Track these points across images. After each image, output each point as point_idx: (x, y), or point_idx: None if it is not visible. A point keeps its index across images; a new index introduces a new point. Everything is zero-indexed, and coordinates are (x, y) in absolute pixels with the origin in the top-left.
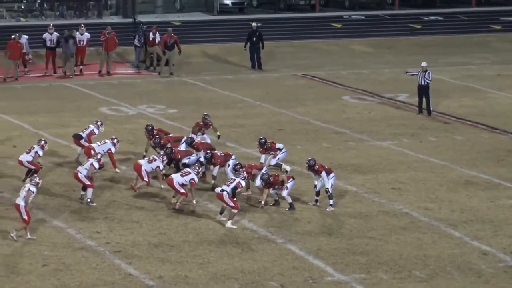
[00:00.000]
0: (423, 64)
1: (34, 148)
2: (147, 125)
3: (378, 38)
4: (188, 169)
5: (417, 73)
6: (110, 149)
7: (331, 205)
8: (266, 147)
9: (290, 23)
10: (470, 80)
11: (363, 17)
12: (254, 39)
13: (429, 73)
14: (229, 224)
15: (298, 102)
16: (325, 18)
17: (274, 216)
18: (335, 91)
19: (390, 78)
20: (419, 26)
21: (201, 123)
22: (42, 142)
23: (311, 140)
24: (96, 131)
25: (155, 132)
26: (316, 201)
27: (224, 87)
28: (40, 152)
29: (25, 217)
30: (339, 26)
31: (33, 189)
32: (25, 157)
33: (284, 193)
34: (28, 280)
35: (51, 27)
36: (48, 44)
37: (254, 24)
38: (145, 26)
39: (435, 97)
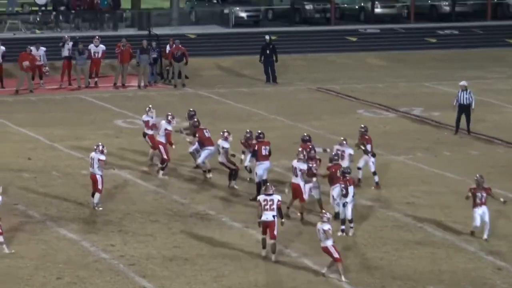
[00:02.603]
0: (463, 83)
1: (93, 158)
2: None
3: (393, 51)
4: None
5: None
6: (166, 129)
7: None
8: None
9: (305, 36)
10: (485, 94)
11: (378, 30)
12: (268, 52)
13: (469, 92)
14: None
15: (313, 115)
16: (340, 32)
17: (288, 230)
18: (350, 105)
19: (405, 91)
20: (434, 40)
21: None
22: (100, 147)
23: (326, 154)
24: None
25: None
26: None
27: (238, 100)
28: (103, 157)
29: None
30: (354, 39)
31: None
32: (95, 171)
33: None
34: None
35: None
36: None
37: (267, 37)
38: (155, 43)
39: (449, 111)
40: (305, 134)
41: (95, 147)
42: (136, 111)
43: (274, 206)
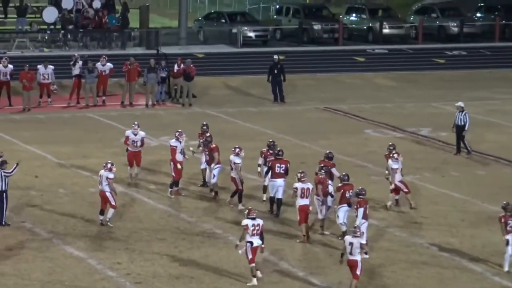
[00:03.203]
0: (459, 104)
1: (102, 176)
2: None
3: (401, 72)
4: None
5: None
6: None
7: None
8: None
9: (313, 56)
10: (493, 115)
11: (387, 51)
12: (276, 71)
13: (465, 114)
14: None
15: (320, 135)
16: (348, 52)
17: (295, 249)
18: (358, 125)
19: (413, 112)
20: (442, 61)
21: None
22: (109, 165)
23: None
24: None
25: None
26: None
27: (246, 119)
28: (111, 176)
29: (113, 203)
30: (362, 59)
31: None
32: (104, 188)
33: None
34: None
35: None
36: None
37: (275, 56)
38: (164, 62)
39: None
40: (328, 151)
41: (104, 165)
42: (143, 130)
43: (260, 231)
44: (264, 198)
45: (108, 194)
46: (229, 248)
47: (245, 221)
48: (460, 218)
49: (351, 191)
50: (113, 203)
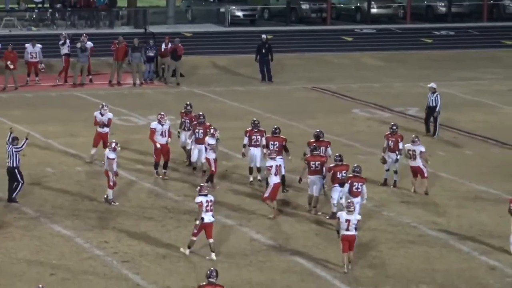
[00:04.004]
0: (432, 85)
1: (106, 155)
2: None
3: (389, 51)
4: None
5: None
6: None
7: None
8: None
9: (301, 36)
10: (481, 95)
11: (374, 30)
12: (264, 51)
13: (437, 95)
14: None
15: (308, 114)
16: (336, 31)
17: (282, 228)
18: (346, 104)
19: (401, 92)
20: (430, 41)
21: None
22: (113, 145)
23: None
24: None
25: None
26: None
27: (234, 98)
28: (112, 155)
29: (110, 183)
30: (350, 39)
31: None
32: (108, 168)
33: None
34: None
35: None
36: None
37: (264, 36)
38: (152, 41)
39: (445, 111)
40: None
41: (108, 144)
42: (131, 109)
43: (213, 206)
44: (251, 179)
45: (110, 174)
46: (216, 226)
47: (199, 198)
48: (447, 197)
49: (344, 172)
50: (110, 182)
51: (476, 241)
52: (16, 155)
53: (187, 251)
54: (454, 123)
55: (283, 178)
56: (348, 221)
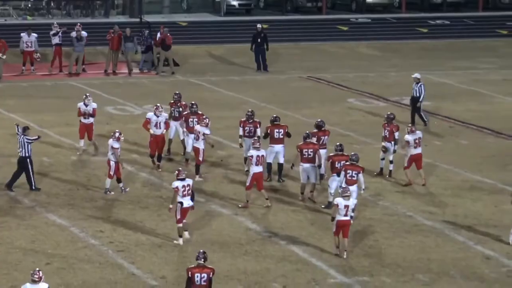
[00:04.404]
0: (416, 75)
1: (109, 144)
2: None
3: (384, 41)
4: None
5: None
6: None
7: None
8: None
9: (296, 25)
10: (476, 84)
11: (370, 20)
12: (259, 40)
13: (421, 85)
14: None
15: (303, 104)
16: (331, 21)
17: (277, 218)
18: (341, 94)
19: (396, 81)
20: (425, 30)
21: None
22: (117, 134)
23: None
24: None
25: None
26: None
27: (229, 88)
28: (116, 145)
29: (111, 172)
30: (345, 28)
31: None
32: (110, 157)
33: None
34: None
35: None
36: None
37: (259, 25)
38: (147, 31)
39: (440, 101)
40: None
41: (112, 134)
42: (126, 98)
43: (191, 191)
44: (246, 169)
45: (112, 163)
46: (211, 216)
47: (175, 183)
48: (442, 187)
49: (343, 162)
50: (110, 172)
51: (471, 231)
52: (27, 145)
53: (180, 241)
54: (449, 112)
55: (280, 166)
56: (346, 206)
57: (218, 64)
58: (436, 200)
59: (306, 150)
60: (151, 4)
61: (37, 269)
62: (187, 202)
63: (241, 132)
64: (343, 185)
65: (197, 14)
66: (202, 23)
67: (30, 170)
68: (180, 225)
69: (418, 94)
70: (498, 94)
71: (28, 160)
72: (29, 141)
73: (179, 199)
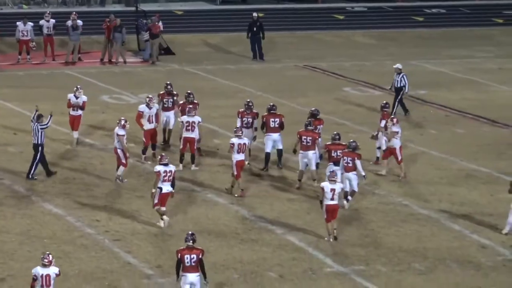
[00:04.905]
0: (397, 66)
1: (115, 133)
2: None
3: (380, 30)
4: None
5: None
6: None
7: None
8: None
9: (292, 14)
10: (472, 73)
11: (366, 8)
12: (255, 29)
13: (403, 75)
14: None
15: (299, 93)
16: (327, 9)
17: (274, 207)
18: (337, 83)
19: (392, 70)
20: (421, 19)
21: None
22: (122, 122)
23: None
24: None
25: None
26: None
27: (225, 76)
28: (122, 132)
29: (123, 160)
30: (341, 17)
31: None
32: (117, 145)
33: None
34: (27, 267)
35: (47, 14)
36: (45, 31)
37: (255, 14)
38: (145, 21)
39: (436, 89)
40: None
41: (117, 122)
42: (122, 87)
43: (172, 177)
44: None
45: (119, 151)
46: (208, 205)
47: (157, 167)
48: (438, 176)
49: (339, 151)
50: (123, 160)
51: (467, 220)
52: (41, 132)
53: (162, 223)
54: (445, 101)
55: (280, 152)
56: (333, 190)
57: (213, 52)
58: (432, 189)
59: (305, 137)
60: None
61: (48, 252)
62: (166, 187)
63: (238, 124)
64: (331, 169)
65: (193, 3)
66: (198, 11)
67: (37, 158)
68: (157, 207)
69: (400, 85)
70: (494, 82)
71: (40, 148)
72: (43, 126)
73: (159, 184)
